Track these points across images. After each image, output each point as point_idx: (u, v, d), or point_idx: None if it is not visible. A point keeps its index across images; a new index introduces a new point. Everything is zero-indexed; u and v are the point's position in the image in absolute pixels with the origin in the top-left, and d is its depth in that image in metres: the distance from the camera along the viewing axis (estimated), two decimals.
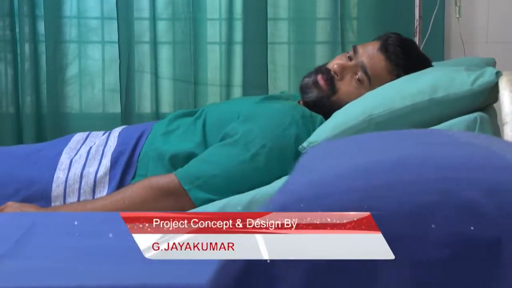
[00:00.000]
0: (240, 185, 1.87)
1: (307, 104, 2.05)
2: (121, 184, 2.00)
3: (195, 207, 1.86)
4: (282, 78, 2.95)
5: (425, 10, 2.67)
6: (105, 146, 2.10)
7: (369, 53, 2.01)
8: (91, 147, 2.09)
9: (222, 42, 2.95)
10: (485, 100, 1.78)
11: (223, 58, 2.95)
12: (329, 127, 1.82)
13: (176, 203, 1.87)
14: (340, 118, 1.82)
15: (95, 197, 2.01)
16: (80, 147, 2.12)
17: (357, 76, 2.00)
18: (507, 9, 2.65)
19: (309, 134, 1.91)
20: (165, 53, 2.96)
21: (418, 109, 1.75)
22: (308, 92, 2.06)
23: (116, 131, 2.16)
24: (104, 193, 2.00)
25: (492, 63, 2.11)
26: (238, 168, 1.88)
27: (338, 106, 1.98)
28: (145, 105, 2.97)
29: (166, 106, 2.97)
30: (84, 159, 2.06)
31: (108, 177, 2.02)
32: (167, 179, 1.89)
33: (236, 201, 1.80)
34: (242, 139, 1.91)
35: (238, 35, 2.93)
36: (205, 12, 2.94)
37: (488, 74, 1.75)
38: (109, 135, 2.15)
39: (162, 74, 2.95)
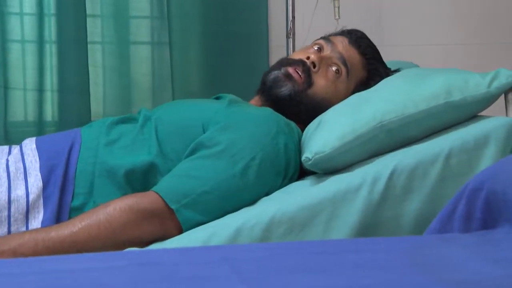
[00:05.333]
0: (231, 203, 1.68)
1: (277, 100, 1.89)
2: (60, 207, 1.69)
3: (181, 231, 1.63)
4: (102, 81, 2.66)
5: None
6: (23, 162, 1.73)
7: (344, 45, 1.93)
8: (7, 165, 1.72)
9: (29, 40, 2.57)
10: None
11: (31, 59, 2.56)
12: (336, 135, 1.70)
13: (160, 227, 1.62)
14: (348, 126, 1.71)
15: (29, 225, 1.67)
16: None
17: (333, 68, 1.90)
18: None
19: (294, 142, 1.79)
20: None
21: (433, 114, 1.71)
22: (281, 86, 1.89)
23: (29, 144, 1.81)
24: (40, 218, 1.67)
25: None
26: (228, 184, 1.68)
27: (313, 101, 1.88)
28: None
29: None
30: (6, 180, 1.70)
31: (41, 199, 1.68)
32: (149, 199, 1.62)
33: (252, 223, 1.60)
34: (227, 151, 1.70)
35: (50, 33, 2.57)
36: (8, 5, 2.53)
37: (504, 76, 1.74)
38: (21, 149, 1.78)
39: None
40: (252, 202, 1.70)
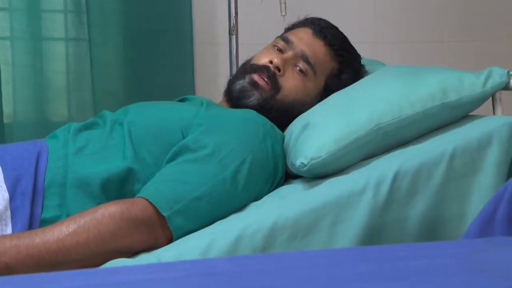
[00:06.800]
0: (221, 209, 1.57)
1: None
2: (31, 219, 1.54)
3: (170, 240, 1.51)
4: (12, 80, 2.42)
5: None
6: None
7: (306, 41, 1.83)
8: None
9: None
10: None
11: None
12: (331, 139, 1.61)
13: (150, 236, 1.50)
14: (343, 129, 1.62)
15: None
16: None
17: (298, 68, 1.81)
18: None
19: (279, 145, 1.70)
20: None
21: (430, 115, 1.65)
22: (249, 96, 1.79)
23: None
24: (8, 231, 1.51)
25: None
26: (220, 189, 1.57)
27: (283, 104, 1.80)
28: None
29: None
30: None
31: (9, 211, 1.53)
32: (139, 207, 1.50)
33: (253, 230, 1.50)
34: (215, 154, 1.59)
35: None
36: None
37: (497, 75, 1.70)
38: None
39: None
40: (241, 207, 1.59)
